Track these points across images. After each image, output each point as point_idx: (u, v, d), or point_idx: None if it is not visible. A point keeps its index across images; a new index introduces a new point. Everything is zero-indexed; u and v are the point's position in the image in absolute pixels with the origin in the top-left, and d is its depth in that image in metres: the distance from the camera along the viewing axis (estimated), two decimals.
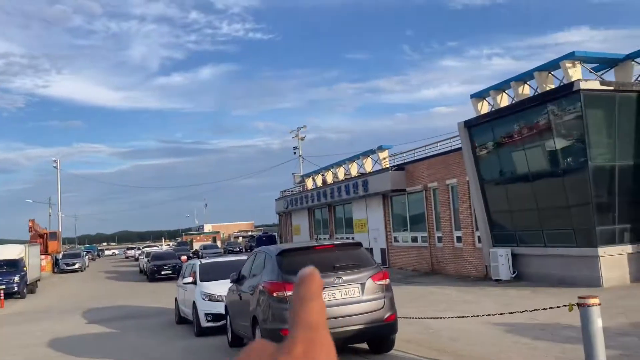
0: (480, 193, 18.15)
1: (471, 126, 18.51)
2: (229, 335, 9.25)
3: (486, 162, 18.12)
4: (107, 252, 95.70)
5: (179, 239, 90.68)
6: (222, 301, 11.06)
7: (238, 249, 58.00)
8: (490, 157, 17.99)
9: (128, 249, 71.77)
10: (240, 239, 77.42)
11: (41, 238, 40.82)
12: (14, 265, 24.87)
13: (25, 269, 25.21)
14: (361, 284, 7.14)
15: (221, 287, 11.36)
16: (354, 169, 32.57)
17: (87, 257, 50.46)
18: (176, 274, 29.32)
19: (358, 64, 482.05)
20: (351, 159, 32.31)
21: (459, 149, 19.49)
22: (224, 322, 10.91)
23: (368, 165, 28.68)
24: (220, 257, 14.42)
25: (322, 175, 35.14)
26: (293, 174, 43.48)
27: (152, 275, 28.85)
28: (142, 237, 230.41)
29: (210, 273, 12.23)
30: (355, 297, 7.08)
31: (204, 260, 12.97)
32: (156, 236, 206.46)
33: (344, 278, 7.06)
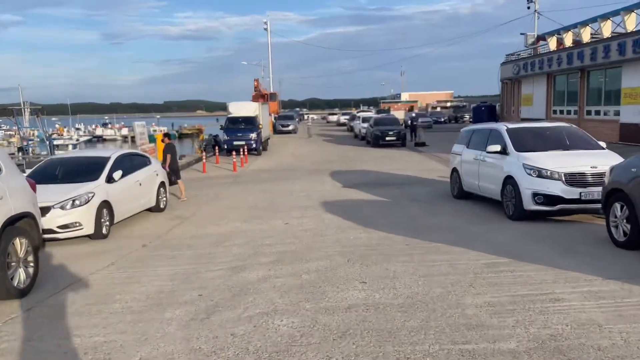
0: None
1: None
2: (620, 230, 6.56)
3: None
4: (305, 117, 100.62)
5: (366, 107, 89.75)
6: (557, 179, 8.36)
7: (443, 120, 54.67)
8: None
9: (330, 114, 73.69)
10: (439, 108, 73.50)
11: (262, 98, 42.42)
12: (251, 123, 25.39)
13: (260, 126, 25.62)
14: None
15: (552, 161, 8.61)
16: (607, 29, 26.10)
17: (296, 119, 52.19)
18: (400, 140, 27.67)
19: None
20: (605, 16, 25.88)
21: None
22: (560, 206, 8.31)
23: None
24: (522, 123, 11.51)
25: (574, 32, 28.77)
26: (524, 33, 37.19)
27: (376, 140, 27.56)
28: (330, 104, 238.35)
29: (524, 142, 9.48)
30: None
31: (509, 125, 10.17)
32: (344, 104, 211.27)
33: None
